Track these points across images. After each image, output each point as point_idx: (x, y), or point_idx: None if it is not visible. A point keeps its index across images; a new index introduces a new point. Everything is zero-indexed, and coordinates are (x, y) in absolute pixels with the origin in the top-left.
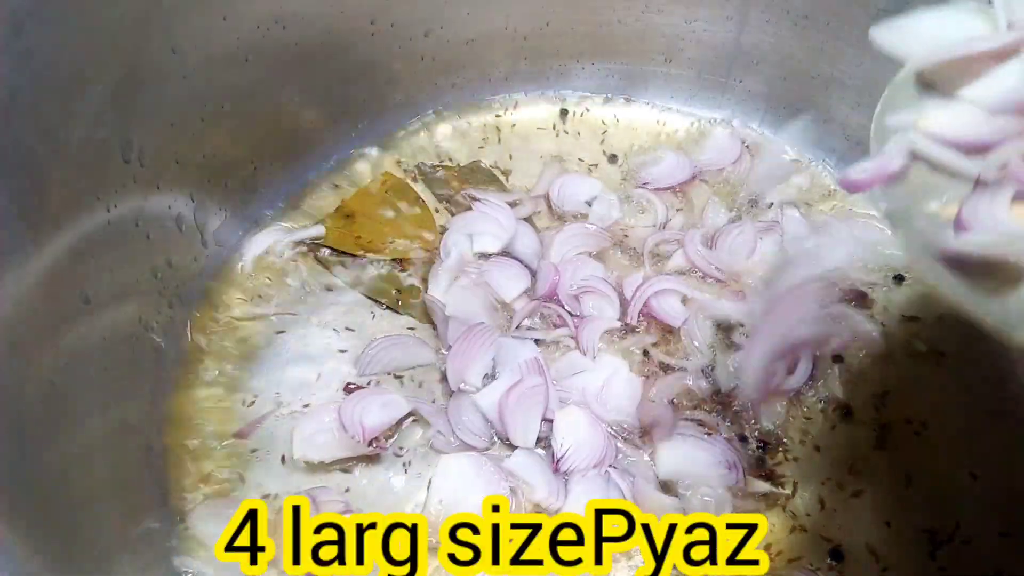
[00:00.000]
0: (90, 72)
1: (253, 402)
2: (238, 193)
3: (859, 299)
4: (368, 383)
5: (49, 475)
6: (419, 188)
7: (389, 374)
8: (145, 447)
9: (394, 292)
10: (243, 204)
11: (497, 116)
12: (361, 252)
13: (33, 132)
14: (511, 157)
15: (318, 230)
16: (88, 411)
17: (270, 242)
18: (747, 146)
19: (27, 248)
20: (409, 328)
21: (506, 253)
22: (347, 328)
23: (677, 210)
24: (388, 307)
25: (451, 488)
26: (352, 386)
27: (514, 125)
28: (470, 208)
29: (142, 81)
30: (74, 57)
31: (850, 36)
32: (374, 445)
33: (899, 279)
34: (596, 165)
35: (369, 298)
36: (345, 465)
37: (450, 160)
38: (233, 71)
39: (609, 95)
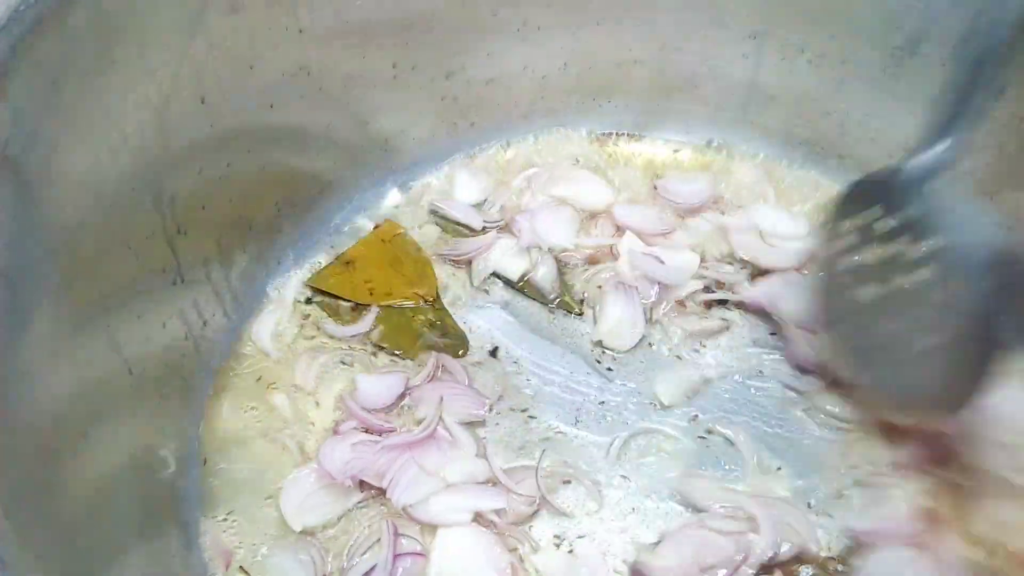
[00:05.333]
0: (123, 124)
1: (285, 446)
2: (263, 236)
3: None
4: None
5: (74, 515)
6: (429, 230)
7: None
8: (170, 492)
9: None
10: (268, 246)
11: (515, 154)
12: (365, 298)
13: (72, 184)
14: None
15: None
16: (115, 454)
17: (280, 312)
18: (769, 184)
19: (58, 295)
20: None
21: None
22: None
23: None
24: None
25: (451, 563)
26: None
27: (531, 163)
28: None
29: (172, 130)
30: (108, 109)
31: (866, 74)
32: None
33: None
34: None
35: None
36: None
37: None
38: (259, 117)
39: (626, 131)
